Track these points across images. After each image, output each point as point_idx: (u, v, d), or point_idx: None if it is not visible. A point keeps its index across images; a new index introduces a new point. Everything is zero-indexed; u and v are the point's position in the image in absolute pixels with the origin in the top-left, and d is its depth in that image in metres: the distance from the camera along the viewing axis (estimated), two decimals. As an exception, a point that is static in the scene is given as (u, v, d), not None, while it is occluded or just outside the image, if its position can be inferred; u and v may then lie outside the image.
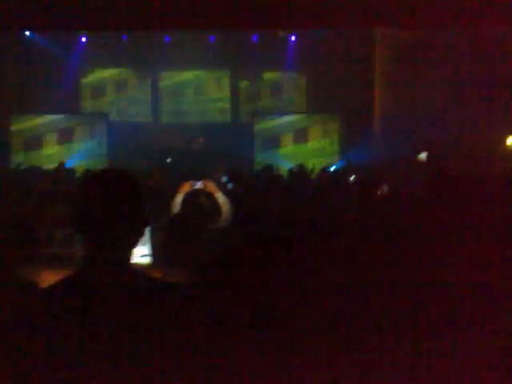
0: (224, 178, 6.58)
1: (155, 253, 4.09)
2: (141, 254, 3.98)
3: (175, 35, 12.63)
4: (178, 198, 4.42)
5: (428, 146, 7.50)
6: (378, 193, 2.97)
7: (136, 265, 3.85)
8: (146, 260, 4.01)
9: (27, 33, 11.98)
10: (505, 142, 10.81)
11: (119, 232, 1.63)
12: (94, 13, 6.40)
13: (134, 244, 1.69)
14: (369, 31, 12.06)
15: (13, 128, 13.05)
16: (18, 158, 12.60)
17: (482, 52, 10.70)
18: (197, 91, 13.99)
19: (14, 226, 2.89)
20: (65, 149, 13.12)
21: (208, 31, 12.19)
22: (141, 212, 1.66)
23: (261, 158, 12.57)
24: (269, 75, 13.83)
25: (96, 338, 1.53)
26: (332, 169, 11.45)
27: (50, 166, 11.41)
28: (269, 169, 8.60)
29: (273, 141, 13.60)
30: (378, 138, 12.41)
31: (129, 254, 1.68)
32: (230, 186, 6.59)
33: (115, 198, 1.63)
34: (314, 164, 12.08)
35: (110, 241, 1.62)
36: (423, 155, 7.09)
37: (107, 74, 13.78)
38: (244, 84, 13.97)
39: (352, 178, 8.68)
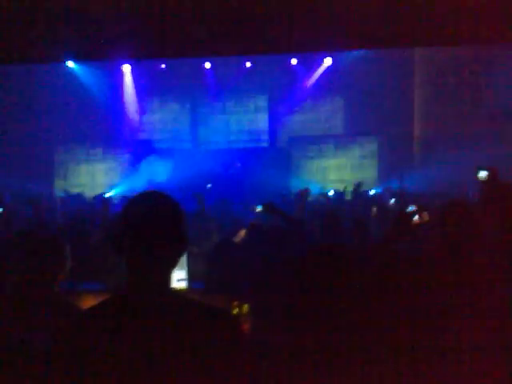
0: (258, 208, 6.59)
1: (193, 278, 4.14)
2: (177, 279, 4.01)
3: (214, 62, 12.86)
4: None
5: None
6: (416, 220, 2.87)
7: (174, 289, 3.88)
8: (182, 284, 4.04)
9: (71, 64, 12.37)
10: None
11: (160, 254, 1.65)
12: (135, 42, 6.56)
13: (173, 266, 1.71)
14: (408, 53, 12.01)
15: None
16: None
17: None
18: (236, 117, 14.13)
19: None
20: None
21: (245, 57, 12.35)
22: (181, 234, 1.68)
23: (297, 183, 12.57)
24: (306, 99, 13.88)
25: (137, 360, 1.54)
26: (371, 192, 11.32)
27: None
28: (305, 195, 8.56)
29: (310, 165, 13.60)
30: (419, 161, 12.23)
31: (169, 276, 1.70)
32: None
33: (156, 220, 1.65)
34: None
35: (151, 263, 1.64)
36: (483, 174, 6.28)
37: (150, 102, 14.09)
38: (280, 108, 14.05)
39: (392, 202, 8.57)
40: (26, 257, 2.74)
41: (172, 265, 1.69)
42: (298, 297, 1.91)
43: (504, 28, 5.27)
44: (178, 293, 1.68)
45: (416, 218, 2.81)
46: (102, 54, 7.05)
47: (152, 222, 1.64)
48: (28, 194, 10.64)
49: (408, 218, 2.70)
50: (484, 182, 5.33)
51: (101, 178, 13.72)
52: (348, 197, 10.51)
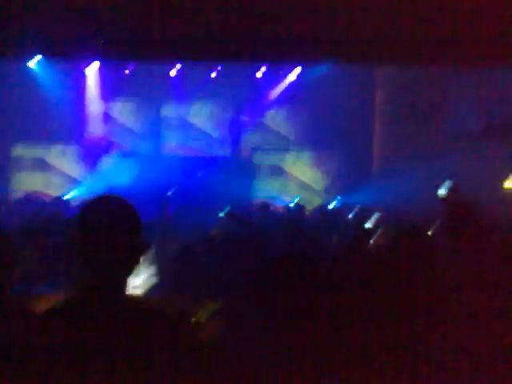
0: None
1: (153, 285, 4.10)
2: (132, 286, 3.96)
3: (180, 69, 12.81)
4: None
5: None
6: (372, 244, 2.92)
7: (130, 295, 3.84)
8: (138, 292, 3.99)
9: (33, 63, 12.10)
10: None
11: (115, 261, 1.63)
12: (104, 43, 6.50)
13: (129, 272, 1.69)
14: (370, 69, 12.23)
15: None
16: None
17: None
18: (199, 125, 14.10)
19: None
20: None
21: (211, 64, 12.36)
22: (137, 240, 1.67)
23: (259, 193, 12.63)
24: (270, 111, 13.97)
25: (90, 365, 1.52)
26: (330, 206, 11.46)
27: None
28: (266, 206, 8.63)
29: (271, 176, 13.68)
30: (378, 176, 12.46)
31: (125, 281, 1.68)
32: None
33: (112, 225, 1.63)
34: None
35: (106, 268, 1.63)
36: (443, 191, 6.03)
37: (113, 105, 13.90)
38: (244, 118, 14.09)
39: (351, 216, 8.70)
40: None
41: (127, 272, 1.68)
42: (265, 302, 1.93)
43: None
44: (133, 300, 1.67)
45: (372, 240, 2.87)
46: (71, 53, 6.95)
47: (108, 227, 1.62)
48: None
49: (364, 241, 2.76)
50: (444, 200, 5.36)
51: (59, 178, 13.46)
52: (308, 210, 10.62)
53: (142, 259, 1.70)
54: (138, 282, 4.03)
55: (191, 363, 1.58)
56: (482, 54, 5.49)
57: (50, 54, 7.77)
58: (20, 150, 13.41)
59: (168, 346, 1.57)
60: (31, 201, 10.64)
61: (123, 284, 1.68)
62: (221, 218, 6.56)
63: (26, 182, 13.25)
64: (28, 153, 13.45)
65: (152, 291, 4.22)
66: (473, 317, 2.20)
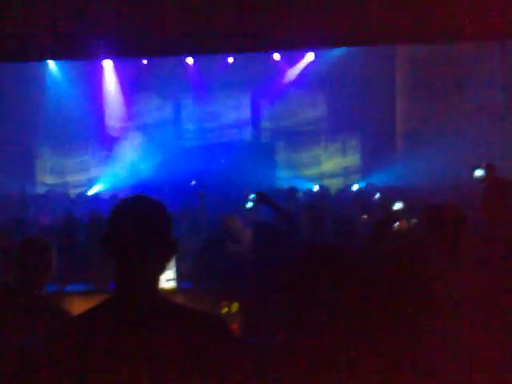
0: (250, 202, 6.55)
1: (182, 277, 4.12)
2: (166, 279, 4.00)
3: (196, 57, 12.78)
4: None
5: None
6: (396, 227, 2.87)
7: (162, 290, 3.86)
8: (172, 284, 4.02)
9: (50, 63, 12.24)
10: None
11: (147, 260, 1.64)
12: (117, 40, 6.50)
13: (162, 269, 1.70)
14: (389, 50, 12.05)
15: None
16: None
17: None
18: (219, 112, 14.08)
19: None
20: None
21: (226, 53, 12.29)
22: (168, 237, 1.68)
23: (282, 178, 12.59)
24: (289, 94, 13.87)
25: (127, 366, 1.53)
26: (354, 188, 11.39)
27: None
28: (293, 191, 8.58)
29: (294, 160, 13.63)
30: (403, 155, 12.29)
31: (157, 279, 1.69)
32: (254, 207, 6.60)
33: (143, 224, 1.64)
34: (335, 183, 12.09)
35: (139, 266, 1.63)
36: (479, 173, 5.66)
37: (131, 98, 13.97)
38: (264, 104, 14.02)
39: (377, 197, 8.61)
40: (11, 261, 2.71)
41: (160, 270, 1.69)
42: (292, 297, 1.91)
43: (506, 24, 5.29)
44: (166, 298, 1.67)
45: (396, 225, 2.82)
46: (83, 53, 6.97)
47: (140, 227, 1.63)
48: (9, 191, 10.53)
49: (388, 228, 2.72)
50: (482, 181, 5.24)
51: (82, 174, 13.64)
52: (332, 192, 10.57)
53: (172, 258, 1.70)
54: (171, 275, 4.06)
55: (224, 361, 1.58)
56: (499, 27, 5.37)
57: (62, 55, 7.81)
58: (44, 148, 13.59)
59: (200, 343, 1.57)
60: (58, 197, 10.80)
61: (155, 283, 1.68)
62: (248, 207, 6.52)
63: (51, 179, 13.45)
64: (51, 150, 13.63)
65: (184, 283, 4.25)
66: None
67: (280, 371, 1.82)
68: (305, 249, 1.88)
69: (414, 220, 4.17)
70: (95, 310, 1.66)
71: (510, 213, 2.64)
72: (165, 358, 1.55)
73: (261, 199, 4.92)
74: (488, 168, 5.56)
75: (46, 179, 13.49)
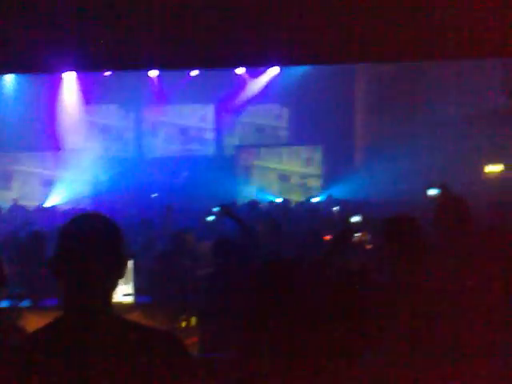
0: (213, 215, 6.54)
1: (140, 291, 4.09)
2: (123, 293, 3.96)
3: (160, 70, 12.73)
4: None
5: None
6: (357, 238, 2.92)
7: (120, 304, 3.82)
8: (129, 299, 3.99)
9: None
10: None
11: (97, 275, 1.63)
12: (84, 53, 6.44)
13: (113, 286, 1.69)
14: (349, 67, 12.28)
15: None
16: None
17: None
18: (180, 125, 14.07)
19: None
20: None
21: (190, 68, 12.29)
22: (119, 254, 1.67)
23: (244, 191, 12.64)
24: (252, 108, 13.97)
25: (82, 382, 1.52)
26: (314, 200, 11.51)
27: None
28: (254, 204, 8.64)
29: (255, 173, 13.71)
30: (362, 169, 12.49)
31: (109, 297, 1.68)
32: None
33: (92, 241, 1.63)
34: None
35: (88, 285, 1.62)
36: (433, 192, 5.87)
37: (93, 109, 13.81)
38: (227, 117, 14.08)
39: (335, 209, 8.73)
40: None
41: (112, 285, 1.68)
42: (252, 307, 1.92)
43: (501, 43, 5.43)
44: (118, 315, 1.65)
45: (357, 235, 2.88)
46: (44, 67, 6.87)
47: (90, 244, 1.62)
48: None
49: (348, 238, 2.76)
50: (435, 199, 5.49)
51: (38, 187, 13.37)
52: (293, 205, 10.66)
53: (125, 271, 1.69)
54: (128, 290, 4.02)
55: (177, 377, 1.58)
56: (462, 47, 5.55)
57: (23, 69, 7.70)
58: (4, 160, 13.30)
59: (153, 361, 1.57)
60: (15, 211, 10.56)
61: (106, 300, 1.66)
62: (207, 220, 6.51)
63: (11, 193, 13.14)
64: (10, 162, 13.34)
65: (142, 298, 4.21)
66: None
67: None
68: (260, 264, 1.89)
69: (369, 234, 4.27)
70: (48, 328, 1.65)
71: (460, 227, 2.76)
72: (119, 375, 1.54)
73: (224, 212, 4.93)
74: (442, 187, 5.81)
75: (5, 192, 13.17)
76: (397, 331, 2.22)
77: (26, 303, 4.24)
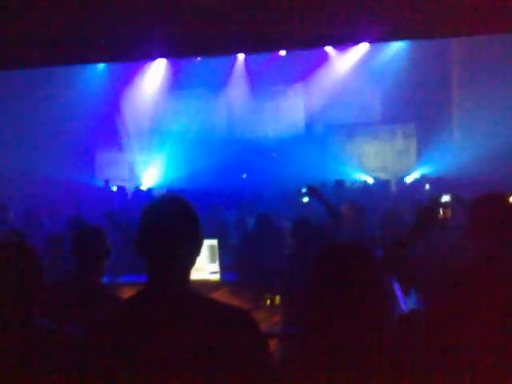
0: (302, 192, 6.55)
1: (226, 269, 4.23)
2: (210, 271, 4.11)
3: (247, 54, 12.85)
4: None
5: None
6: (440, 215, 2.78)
7: (205, 281, 3.96)
8: (216, 277, 4.14)
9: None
10: None
11: (176, 253, 1.74)
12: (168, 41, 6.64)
13: (191, 264, 1.79)
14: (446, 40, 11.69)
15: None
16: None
17: None
18: (271, 106, 14.11)
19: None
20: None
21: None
22: (195, 234, 1.77)
23: (335, 170, 12.52)
24: (342, 86, 13.71)
25: (155, 357, 1.62)
26: (408, 179, 11.20)
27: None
28: (341, 183, 8.56)
29: (347, 152, 13.51)
30: (459, 147, 11.94)
31: (187, 273, 1.78)
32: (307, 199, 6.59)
33: (172, 223, 1.74)
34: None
35: (168, 262, 1.73)
36: None
37: (183, 95, 14.20)
38: (316, 96, 13.92)
39: (427, 188, 8.46)
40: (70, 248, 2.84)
41: (189, 264, 1.78)
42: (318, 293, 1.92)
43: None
44: (196, 292, 1.75)
45: (440, 213, 2.78)
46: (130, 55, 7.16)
47: (168, 225, 1.73)
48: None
49: (431, 214, 2.68)
50: None
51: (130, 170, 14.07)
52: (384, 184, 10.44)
53: (201, 250, 1.79)
54: (215, 268, 4.17)
55: (249, 356, 1.64)
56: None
57: (110, 58, 8.07)
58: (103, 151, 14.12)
59: (227, 338, 1.64)
60: (117, 193, 11.17)
61: (185, 277, 1.77)
62: (304, 192, 6.47)
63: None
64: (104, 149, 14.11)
65: (227, 276, 4.34)
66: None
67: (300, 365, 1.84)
68: (324, 247, 1.90)
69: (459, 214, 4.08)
70: (132, 299, 1.78)
71: None
72: (191, 348, 1.63)
73: (311, 193, 4.94)
74: None
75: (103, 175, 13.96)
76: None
77: (122, 278, 4.53)
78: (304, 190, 5.62)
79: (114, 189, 11.98)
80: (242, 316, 1.73)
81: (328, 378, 1.68)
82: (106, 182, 12.59)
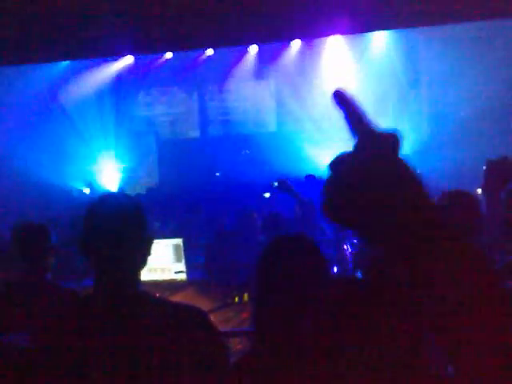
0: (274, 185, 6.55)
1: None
2: (175, 271, 4.04)
3: (216, 50, 12.76)
4: None
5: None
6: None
7: (171, 281, 3.88)
8: (182, 276, 4.06)
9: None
10: None
11: (123, 253, 1.66)
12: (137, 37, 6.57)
13: (140, 264, 1.71)
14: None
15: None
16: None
17: None
18: (241, 103, 14.03)
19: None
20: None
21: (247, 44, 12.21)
22: (144, 233, 1.69)
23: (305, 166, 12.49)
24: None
25: (107, 361, 1.55)
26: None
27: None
28: (311, 177, 8.55)
29: (317, 149, 13.50)
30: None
31: (137, 274, 1.71)
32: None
33: (117, 220, 1.66)
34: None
35: (115, 263, 1.65)
36: None
37: (155, 92, 14.03)
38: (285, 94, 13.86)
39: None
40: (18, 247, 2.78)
41: (138, 265, 1.70)
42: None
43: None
44: (149, 293, 1.69)
45: None
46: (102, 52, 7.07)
47: (112, 223, 1.65)
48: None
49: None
50: None
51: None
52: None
53: (151, 250, 1.72)
54: (181, 267, 4.09)
55: (206, 354, 1.58)
56: None
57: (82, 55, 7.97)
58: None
59: (182, 337, 1.58)
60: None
61: (135, 278, 1.70)
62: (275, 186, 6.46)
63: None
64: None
65: (193, 275, 4.28)
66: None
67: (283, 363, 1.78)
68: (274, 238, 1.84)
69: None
70: (77, 305, 1.70)
71: None
72: (147, 350, 1.57)
73: (281, 186, 4.90)
74: None
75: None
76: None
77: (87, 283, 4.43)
78: (276, 184, 5.62)
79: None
80: (196, 316, 1.68)
81: (281, 375, 1.62)
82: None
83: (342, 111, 0.73)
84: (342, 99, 0.74)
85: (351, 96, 0.74)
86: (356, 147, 0.71)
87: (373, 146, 0.71)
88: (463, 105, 10.69)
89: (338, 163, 0.72)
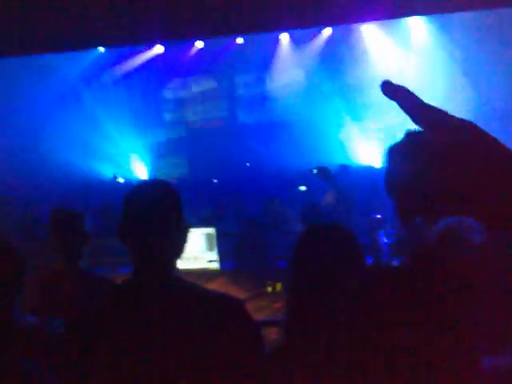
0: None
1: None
2: (208, 260, 4.04)
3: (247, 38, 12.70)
4: None
5: None
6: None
7: (204, 270, 3.89)
8: (214, 265, 4.07)
9: (101, 49, 12.42)
10: None
11: (160, 241, 1.66)
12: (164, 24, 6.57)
13: (177, 252, 1.71)
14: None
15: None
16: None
17: None
18: (273, 91, 13.93)
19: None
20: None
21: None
22: (181, 220, 1.69)
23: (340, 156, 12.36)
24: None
25: (142, 347, 1.55)
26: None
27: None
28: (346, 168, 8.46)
29: (354, 139, 13.33)
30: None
31: (173, 262, 1.71)
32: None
33: (155, 208, 1.66)
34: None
35: (152, 250, 1.65)
36: None
37: (185, 82, 14.04)
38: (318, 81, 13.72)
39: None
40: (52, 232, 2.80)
41: (174, 253, 1.70)
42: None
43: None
44: (184, 280, 1.68)
45: None
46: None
47: (150, 211, 1.65)
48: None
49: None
50: None
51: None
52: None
53: (188, 238, 1.71)
54: (213, 257, 4.10)
55: (239, 343, 1.57)
56: None
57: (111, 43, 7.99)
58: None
59: (216, 325, 1.57)
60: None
61: (171, 265, 1.70)
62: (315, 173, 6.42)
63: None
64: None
65: (226, 264, 4.28)
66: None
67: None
68: (306, 229, 1.82)
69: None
70: (114, 292, 1.71)
71: None
72: (180, 338, 1.57)
73: (321, 173, 4.85)
74: None
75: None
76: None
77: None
78: (315, 171, 5.58)
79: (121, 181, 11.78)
80: (233, 304, 1.67)
81: (315, 365, 1.59)
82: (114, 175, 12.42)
83: (396, 102, 0.71)
84: (393, 90, 0.71)
85: (402, 86, 0.72)
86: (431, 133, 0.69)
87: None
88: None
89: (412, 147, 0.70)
